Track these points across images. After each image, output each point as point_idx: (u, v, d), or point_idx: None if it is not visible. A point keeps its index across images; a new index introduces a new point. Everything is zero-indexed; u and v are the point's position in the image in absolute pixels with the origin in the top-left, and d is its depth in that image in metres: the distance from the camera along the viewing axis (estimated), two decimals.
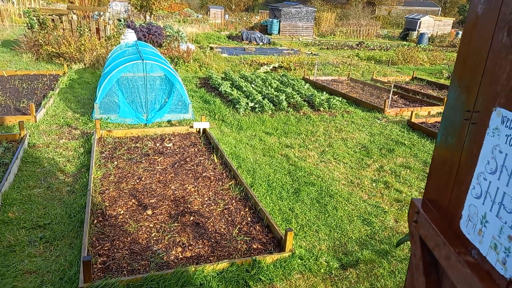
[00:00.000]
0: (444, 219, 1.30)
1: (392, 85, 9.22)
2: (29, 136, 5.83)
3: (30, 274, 3.12)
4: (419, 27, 28.16)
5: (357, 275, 3.35)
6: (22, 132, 5.59)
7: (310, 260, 3.45)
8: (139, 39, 15.06)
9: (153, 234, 3.65)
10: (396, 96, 9.98)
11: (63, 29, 12.31)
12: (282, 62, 13.73)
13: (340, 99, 8.79)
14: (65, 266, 3.20)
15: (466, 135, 1.21)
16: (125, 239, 3.56)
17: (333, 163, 5.70)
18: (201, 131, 6.46)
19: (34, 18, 12.14)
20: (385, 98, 9.09)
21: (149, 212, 4.03)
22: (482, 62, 1.16)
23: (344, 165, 5.67)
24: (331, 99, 8.63)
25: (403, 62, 16.19)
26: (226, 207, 4.20)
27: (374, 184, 5.12)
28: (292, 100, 8.61)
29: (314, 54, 17.88)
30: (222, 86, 9.31)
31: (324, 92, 9.49)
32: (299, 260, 3.40)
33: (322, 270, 3.37)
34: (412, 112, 7.68)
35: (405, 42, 26.09)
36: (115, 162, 5.16)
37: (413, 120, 7.53)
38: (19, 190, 4.34)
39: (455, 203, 1.24)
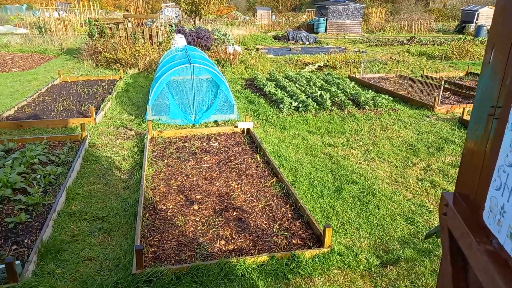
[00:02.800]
0: (470, 211, 1.36)
1: (443, 81, 8.85)
2: (90, 136, 6.37)
3: (90, 261, 3.47)
4: (477, 19, 26.49)
5: (397, 273, 3.34)
6: (83, 133, 6.13)
7: (350, 257, 3.49)
8: (188, 43, 15.69)
9: (199, 228, 3.89)
10: (448, 92, 9.55)
11: (120, 37, 13.17)
12: (327, 60, 13.63)
13: (387, 97, 8.60)
14: (121, 255, 3.52)
15: (490, 129, 1.26)
16: (174, 232, 3.82)
17: (377, 162, 5.64)
18: (245, 130, 6.67)
19: (94, 27, 13.10)
20: (435, 94, 8.76)
21: (196, 207, 4.28)
22: (504, 58, 1.20)
23: (389, 163, 5.59)
24: (377, 97, 8.47)
25: (457, 57, 15.38)
26: (267, 203, 4.34)
27: (419, 183, 5.01)
28: (336, 99, 8.57)
29: (362, 52, 17.51)
30: (266, 87, 9.48)
31: (370, 90, 9.33)
32: (338, 256, 3.46)
33: (361, 267, 3.40)
34: (464, 109, 7.34)
35: (461, 36, 24.67)
36: (165, 161, 5.50)
37: (465, 117, 7.20)
38: (81, 186, 4.80)
39: (480, 196, 1.29)
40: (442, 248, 1.57)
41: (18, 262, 3.04)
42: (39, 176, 4.75)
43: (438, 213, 1.69)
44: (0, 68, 12.07)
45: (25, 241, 3.59)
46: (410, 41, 21.33)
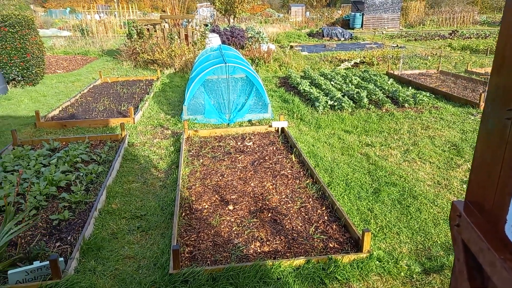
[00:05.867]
0: (487, 222, 1.24)
1: (490, 77, 8.36)
2: (129, 136, 6.55)
3: (129, 259, 3.54)
4: None
5: (441, 281, 3.17)
6: (123, 132, 6.31)
7: (390, 263, 3.36)
8: (223, 42, 15.81)
9: (234, 228, 3.88)
10: None
11: (157, 38, 13.48)
12: (364, 57, 13.28)
13: (428, 94, 8.24)
14: (158, 254, 3.57)
15: (508, 134, 1.14)
16: (209, 232, 3.84)
17: (417, 163, 5.41)
18: (280, 130, 6.61)
19: (133, 28, 13.49)
20: (480, 91, 8.30)
21: (231, 207, 4.28)
22: None
23: (431, 164, 5.35)
24: (418, 95, 8.14)
25: None
26: (303, 205, 4.27)
27: (464, 186, 4.75)
28: (373, 96, 8.31)
29: (400, 47, 16.93)
30: (301, 85, 9.36)
31: (410, 87, 8.99)
32: (377, 262, 3.33)
33: (402, 274, 3.26)
34: None
35: None
36: (201, 160, 5.55)
37: None
38: (121, 184, 4.93)
39: (499, 206, 1.17)
40: (456, 262, 1.45)
41: (61, 259, 3.16)
42: (81, 174, 4.93)
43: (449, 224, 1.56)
44: (46, 69, 12.69)
45: (68, 238, 3.73)
46: (452, 34, 20.37)
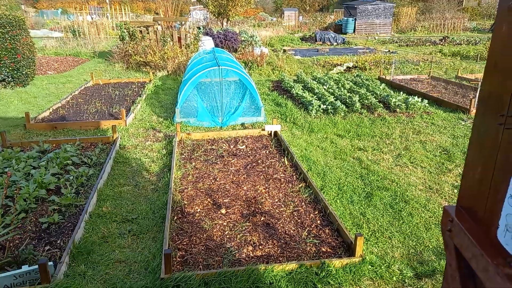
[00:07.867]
0: (480, 228, 1.24)
1: (479, 83, 8.47)
2: (120, 138, 6.48)
3: (120, 263, 3.50)
4: None
5: (433, 286, 3.19)
6: (114, 135, 6.25)
7: (382, 267, 3.36)
8: (216, 45, 15.80)
9: (226, 232, 3.86)
10: None
11: (149, 40, 13.41)
12: (356, 62, 13.38)
13: (419, 99, 8.32)
14: (149, 258, 3.53)
15: (500, 140, 1.14)
16: (201, 236, 3.81)
17: (409, 167, 5.45)
18: (273, 133, 6.61)
19: (125, 30, 13.41)
20: (471, 97, 8.40)
21: (223, 211, 4.26)
22: None
23: (422, 169, 5.38)
24: (409, 99, 8.21)
25: None
26: (295, 209, 4.26)
27: (455, 191, 4.79)
28: (366, 101, 8.36)
29: (392, 52, 17.09)
30: (294, 89, 9.38)
31: (402, 92, 9.06)
32: (369, 266, 3.34)
33: (394, 278, 3.26)
34: None
35: None
36: (193, 163, 5.52)
37: None
38: (112, 187, 4.87)
39: (491, 212, 1.18)
40: (448, 267, 1.45)
41: (50, 263, 3.10)
42: (72, 177, 4.87)
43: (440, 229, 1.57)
44: (37, 70, 12.54)
45: (58, 241, 3.67)
46: (443, 41, 20.64)
